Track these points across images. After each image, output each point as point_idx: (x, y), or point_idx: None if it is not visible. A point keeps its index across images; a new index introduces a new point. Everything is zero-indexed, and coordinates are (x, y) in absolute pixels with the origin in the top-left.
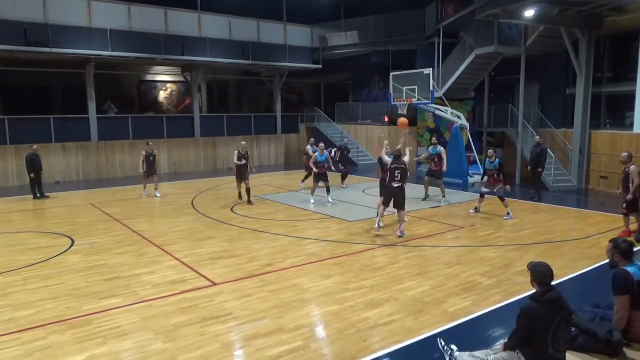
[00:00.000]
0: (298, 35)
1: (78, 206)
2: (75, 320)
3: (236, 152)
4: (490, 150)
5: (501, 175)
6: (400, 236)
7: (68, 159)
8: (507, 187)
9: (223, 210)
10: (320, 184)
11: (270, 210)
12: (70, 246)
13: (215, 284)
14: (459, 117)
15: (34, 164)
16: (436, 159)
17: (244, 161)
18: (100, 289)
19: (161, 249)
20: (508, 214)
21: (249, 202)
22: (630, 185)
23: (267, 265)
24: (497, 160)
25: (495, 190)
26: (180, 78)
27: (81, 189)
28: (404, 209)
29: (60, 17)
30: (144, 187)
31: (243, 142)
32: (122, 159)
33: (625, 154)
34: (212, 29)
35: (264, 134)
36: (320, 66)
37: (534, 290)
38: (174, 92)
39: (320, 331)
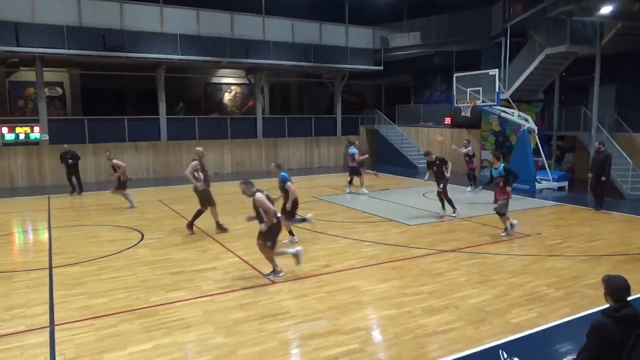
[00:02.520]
0: (359, 37)
1: (148, 202)
2: (144, 311)
3: (195, 162)
4: (491, 155)
5: (507, 185)
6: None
7: (140, 158)
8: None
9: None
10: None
11: (328, 211)
12: (140, 240)
13: (274, 282)
14: (526, 120)
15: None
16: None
17: (203, 177)
18: (167, 282)
19: (223, 246)
20: (505, 230)
21: (222, 227)
22: None
23: (325, 267)
24: (502, 166)
25: (497, 203)
26: (244, 80)
27: (152, 185)
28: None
29: (136, 23)
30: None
31: (199, 148)
32: (189, 158)
33: None
34: (276, 32)
35: (324, 136)
36: (381, 68)
37: (607, 305)
38: (238, 94)
39: (377, 335)
